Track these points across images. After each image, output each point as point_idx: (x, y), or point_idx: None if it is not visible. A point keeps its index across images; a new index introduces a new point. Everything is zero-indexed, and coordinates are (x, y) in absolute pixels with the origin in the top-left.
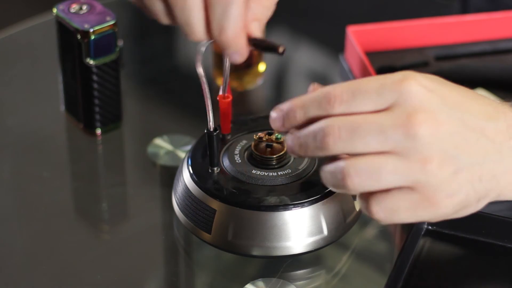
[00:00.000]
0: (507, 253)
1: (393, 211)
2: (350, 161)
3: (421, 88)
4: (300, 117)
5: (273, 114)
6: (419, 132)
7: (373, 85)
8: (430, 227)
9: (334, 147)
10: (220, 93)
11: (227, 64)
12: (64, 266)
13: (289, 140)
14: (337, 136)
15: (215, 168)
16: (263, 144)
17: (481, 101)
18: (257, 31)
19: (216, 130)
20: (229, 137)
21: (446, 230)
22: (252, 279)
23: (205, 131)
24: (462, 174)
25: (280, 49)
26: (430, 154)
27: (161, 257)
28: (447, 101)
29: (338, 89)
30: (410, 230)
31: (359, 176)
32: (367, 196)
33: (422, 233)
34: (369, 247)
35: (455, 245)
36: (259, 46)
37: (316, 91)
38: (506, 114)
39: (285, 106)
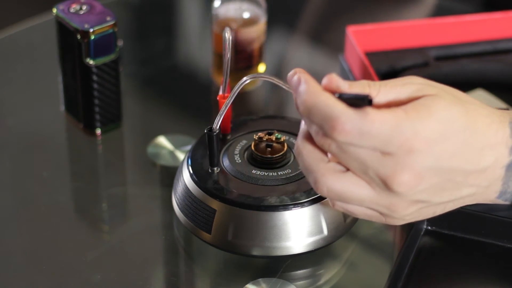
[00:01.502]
0: (507, 253)
1: (350, 212)
2: (325, 180)
3: (423, 146)
4: (303, 114)
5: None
6: (397, 190)
7: (382, 132)
8: (429, 228)
9: (322, 192)
10: (220, 93)
11: (227, 64)
12: (64, 266)
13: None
14: (325, 192)
15: (215, 168)
16: (263, 144)
17: (479, 143)
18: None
19: (216, 130)
20: (229, 137)
21: (446, 230)
22: (252, 279)
23: (205, 131)
24: (428, 209)
25: (369, 98)
26: (399, 202)
27: (161, 257)
28: (442, 157)
29: (347, 123)
30: (410, 230)
31: (329, 193)
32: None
33: (422, 233)
34: (369, 247)
35: (455, 245)
36: (347, 101)
37: (326, 108)
38: (497, 156)
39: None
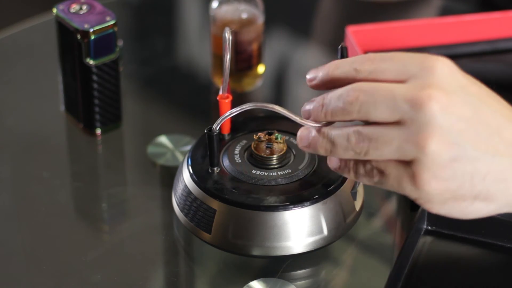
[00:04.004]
0: (507, 253)
1: (384, 176)
2: (357, 129)
3: (445, 68)
4: (331, 71)
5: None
6: (427, 106)
7: (402, 55)
8: (429, 227)
9: (351, 107)
10: (220, 93)
11: (227, 64)
12: (64, 266)
13: (312, 104)
14: (356, 96)
15: (215, 168)
16: (263, 144)
17: (505, 104)
18: None
19: (216, 131)
20: (229, 137)
21: (446, 230)
22: (252, 279)
23: (205, 131)
24: (461, 164)
25: None
26: (431, 131)
27: (161, 257)
28: (468, 89)
29: (371, 54)
30: (410, 230)
31: (361, 141)
32: (368, 163)
33: (422, 233)
34: (369, 247)
35: (455, 245)
36: None
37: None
38: None
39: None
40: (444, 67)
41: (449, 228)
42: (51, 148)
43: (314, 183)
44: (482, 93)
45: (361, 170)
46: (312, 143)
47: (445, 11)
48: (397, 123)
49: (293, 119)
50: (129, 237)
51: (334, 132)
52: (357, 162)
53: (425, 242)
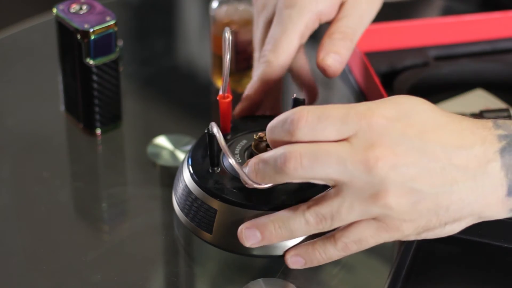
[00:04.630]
0: (504, 253)
1: (361, 241)
2: (310, 207)
3: (382, 120)
4: (268, 138)
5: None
6: (377, 168)
7: (338, 112)
8: None
9: (294, 173)
10: (220, 93)
11: (227, 64)
12: (64, 266)
13: (248, 168)
14: (298, 162)
15: (216, 168)
16: (263, 144)
17: (456, 127)
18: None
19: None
20: (229, 137)
21: None
22: (252, 279)
23: (206, 131)
24: (423, 204)
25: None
26: (387, 189)
27: (161, 257)
28: (409, 132)
29: (304, 111)
30: None
31: (317, 218)
32: (332, 237)
33: None
34: (369, 248)
35: (452, 245)
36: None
37: (284, 113)
38: (485, 138)
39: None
40: (379, 120)
41: None
42: (51, 148)
43: (315, 183)
44: (427, 128)
45: (331, 247)
46: (267, 236)
47: (446, 11)
48: (345, 183)
49: (238, 171)
50: (129, 237)
51: (287, 219)
52: (324, 243)
53: (422, 243)
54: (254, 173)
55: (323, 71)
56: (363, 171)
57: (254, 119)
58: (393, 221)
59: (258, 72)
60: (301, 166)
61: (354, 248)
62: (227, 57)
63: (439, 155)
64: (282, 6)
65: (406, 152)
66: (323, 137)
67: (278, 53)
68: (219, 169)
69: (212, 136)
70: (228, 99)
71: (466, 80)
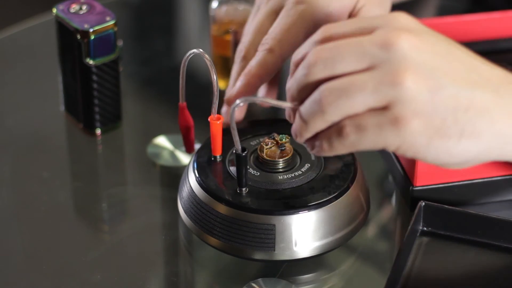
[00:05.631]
0: (503, 253)
1: (361, 128)
2: (325, 84)
3: (410, 18)
4: (291, 91)
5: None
6: (398, 45)
7: (364, 18)
8: (425, 228)
9: (314, 68)
10: (212, 113)
11: (215, 86)
12: (64, 266)
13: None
14: (320, 56)
15: (244, 189)
16: (270, 148)
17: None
18: None
19: (245, 150)
20: (220, 158)
21: (442, 231)
22: (252, 279)
23: (234, 151)
24: (441, 98)
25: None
26: (406, 67)
27: (161, 257)
28: (436, 33)
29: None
30: (406, 232)
31: (332, 95)
32: (342, 123)
33: (418, 234)
34: (369, 248)
35: (451, 245)
36: None
37: None
38: (504, 72)
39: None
40: (409, 18)
41: (445, 228)
42: (51, 148)
43: (321, 187)
44: (450, 40)
45: (334, 135)
46: (293, 129)
47: (444, 11)
48: (367, 69)
49: (273, 104)
50: (129, 237)
51: (302, 106)
52: (327, 129)
53: (421, 242)
54: (293, 80)
55: None
56: (383, 49)
57: (260, 123)
58: (405, 111)
59: (258, 58)
60: (319, 58)
61: (352, 136)
62: (215, 78)
63: (464, 59)
64: (294, 0)
65: (432, 43)
66: (349, 31)
67: (282, 43)
68: (247, 189)
69: (240, 157)
70: (220, 121)
71: None
